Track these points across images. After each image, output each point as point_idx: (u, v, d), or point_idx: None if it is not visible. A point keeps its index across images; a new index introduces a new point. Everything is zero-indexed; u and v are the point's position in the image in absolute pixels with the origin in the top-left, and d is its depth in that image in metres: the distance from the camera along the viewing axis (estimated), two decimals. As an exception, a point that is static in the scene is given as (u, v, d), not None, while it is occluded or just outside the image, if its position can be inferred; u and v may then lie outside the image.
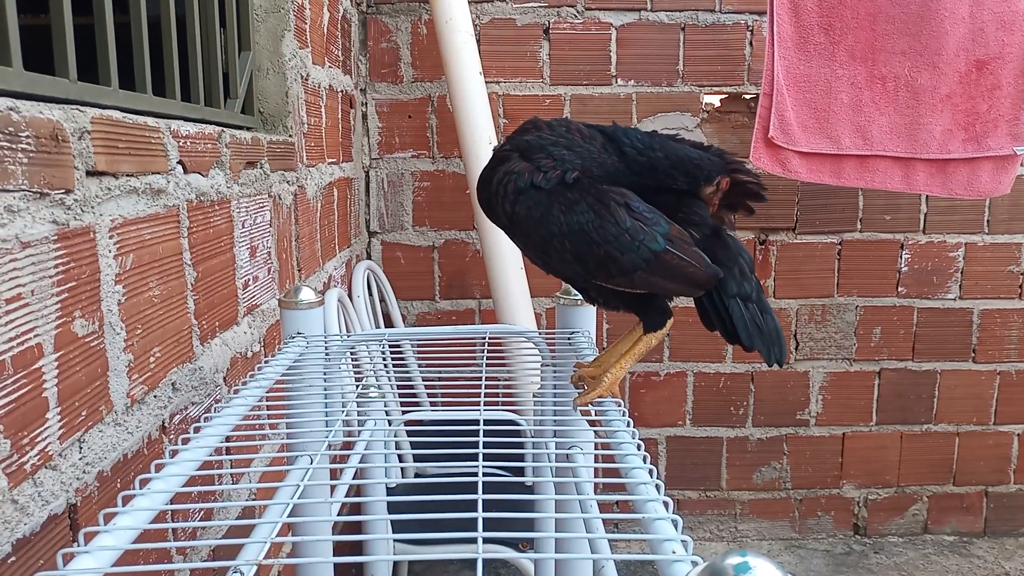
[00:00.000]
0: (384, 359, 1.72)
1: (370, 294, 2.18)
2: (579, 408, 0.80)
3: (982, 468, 2.61)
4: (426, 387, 2.18)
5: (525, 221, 0.78)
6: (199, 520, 1.00)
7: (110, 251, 0.80)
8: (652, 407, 2.53)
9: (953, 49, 2.08)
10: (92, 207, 0.76)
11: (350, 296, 2.05)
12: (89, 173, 0.76)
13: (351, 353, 1.38)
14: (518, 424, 1.63)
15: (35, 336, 0.67)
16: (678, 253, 0.77)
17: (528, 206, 0.78)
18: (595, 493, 0.90)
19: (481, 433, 0.70)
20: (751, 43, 2.33)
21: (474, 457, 0.66)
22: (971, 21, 2.08)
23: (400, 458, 1.97)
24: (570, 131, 0.82)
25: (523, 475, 1.82)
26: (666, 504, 0.53)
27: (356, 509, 1.75)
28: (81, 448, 0.76)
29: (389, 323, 2.32)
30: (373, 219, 2.41)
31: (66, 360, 0.73)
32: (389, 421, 1.71)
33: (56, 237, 0.70)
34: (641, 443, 0.64)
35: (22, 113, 0.65)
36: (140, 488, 0.60)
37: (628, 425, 0.69)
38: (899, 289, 2.49)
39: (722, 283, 0.81)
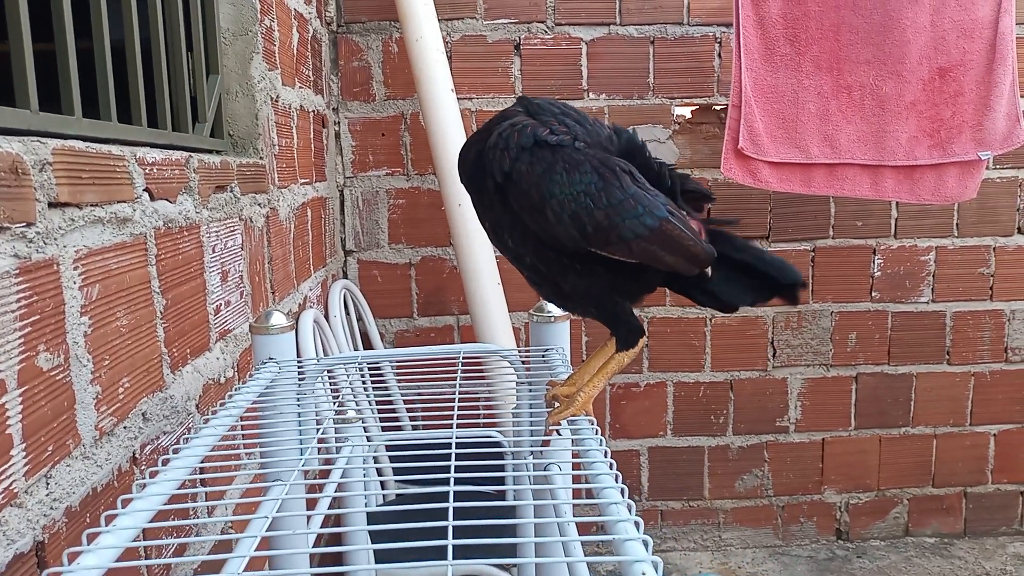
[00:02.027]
0: (364, 381, 1.71)
1: (347, 313, 2.17)
2: (552, 427, 0.79)
3: (960, 469, 2.64)
4: (406, 408, 2.17)
5: (525, 177, 0.76)
6: (172, 556, 0.99)
7: (75, 282, 0.79)
8: (633, 418, 2.53)
9: (916, 57, 2.12)
10: (55, 239, 0.75)
11: (327, 316, 2.04)
12: (51, 205, 0.75)
13: (328, 375, 1.37)
14: (497, 441, 1.63)
15: (-3, 372, 0.66)
16: (678, 224, 0.77)
17: (530, 161, 0.76)
18: (575, 512, 0.89)
19: (453, 456, 0.70)
20: (720, 55, 2.36)
21: (448, 476, 0.66)
22: (932, 30, 2.11)
23: (382, 479, 1.96)
24: (580, 112, 0.83)
25: (504, 493, 1.81)
26: (637, 524, 0.53)
27: (335, 536, 1.73)
28: (48, 484, 0.75)
29: (367, 342, 2.31)
30: (348, 238, 2.40)
31: (31, 395, 0.71)
32: (367, 443, 1.70)
33: (18, 271, 0.69)
34: (613, 462, 0.64)
35: (-21, 147, 0.64)
36: (106, 525, 0.59)
37: (600, 444, 0.69)
38: (873, 294, 2.52)
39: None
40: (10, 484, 0.68)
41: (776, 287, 0.82)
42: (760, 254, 0.83)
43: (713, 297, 0.83)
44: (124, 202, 0.91)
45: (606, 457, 0.66)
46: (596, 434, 0.73)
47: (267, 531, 0.60)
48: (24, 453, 0.70)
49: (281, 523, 0.86)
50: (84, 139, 0.87)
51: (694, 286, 0.83)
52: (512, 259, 0.85)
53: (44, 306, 0.74)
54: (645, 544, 0.51)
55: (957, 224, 2.50)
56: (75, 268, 0.79)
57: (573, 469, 0.95)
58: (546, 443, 0.81)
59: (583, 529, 2.29)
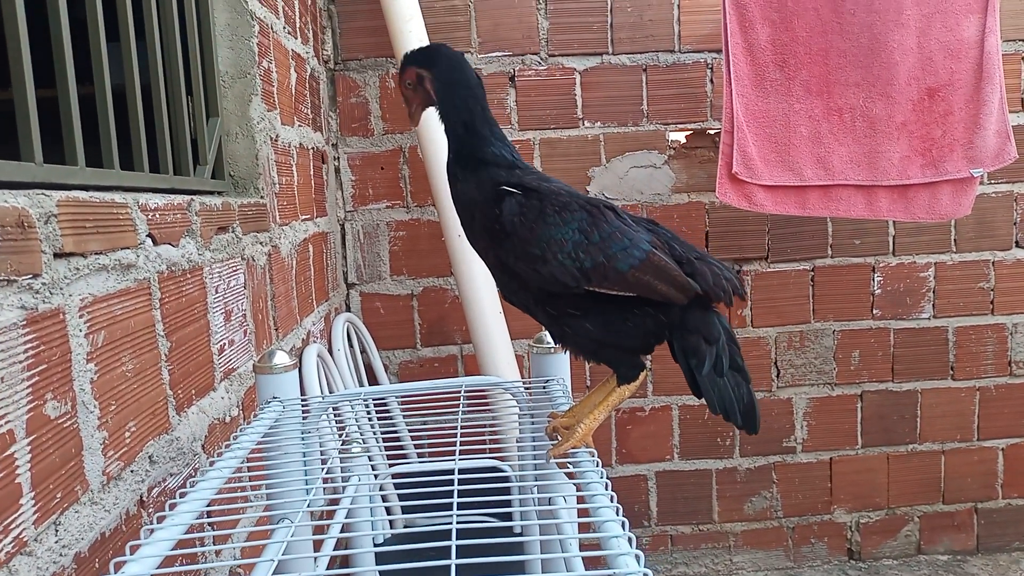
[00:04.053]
0: (369, 415, 1.71)
1: (351, 346, 2.18)
2: (555, 460, 0.80)
3: (970, 485, 2.62)
4: (412, 440, 2.17)
5: (519, 227, 0.79)
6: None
7: (80, 330, 0.81)
8: (639, 443, 2.53)
9: (904, 79, 2.15)
10: (61, 288, 0.77)
11: (331, 350, 2.05)
12: (57, 255, 0.76)
13: (333, 411, 1.37)
14: (502, 471, 1.63)
15: (6, 423, 0.67)
16: (662, 256, 0.81)
17: (520, 213, 0.79)
18: (583, 544, 0.90)
19: (456, 482, 0.70)
20: (712, 80, 2.39)
21: (450, 514, 0.67)
22: (919, 51, 2.14)
23: (388, 511, 1.96)
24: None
25: (510, 521, 1.81)
26: (638, 557, 0.54)
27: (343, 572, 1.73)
28: (57, 531, 0.75)
29: (371, 374, 2.32)
30: (350, 271, 2.42)
31: (39, 443, 0.72)
32: (375, 476, 1.70)
33: (25, 322, 0.71)
34: (614, 495, 0.65)
35: (-13, 203, 0.66)
36: (116, 572, 0.59)
37: (601, 476, 0.70)
38: (874, 311, 2.53)
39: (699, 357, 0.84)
40: (20, 533, 0.69)
41: (733, 419, 0.86)
42: (743, 390, 0.87)
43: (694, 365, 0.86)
44: (128, 248, 0.93)
45: (607, 489, 0.67)
46: (597, 466, 0.73)
47: (274, 573, 0.61)
48: (33, 501, 0.71)
49: (288, 564, 0.86)
50: (87, 188, 0.89)
51: (688, 350, 0.85)
52: (526, 312, 0.88)
53: (51, 355, 0.75)
54: (645, 578, 0.51)
55: (955, 240, 2.51)
56: (81, 316, 0.81)
57: (577, 502, 0.95)
58: (562, 465, 0.82)
59: (591, 563, 2.28)
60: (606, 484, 0.68)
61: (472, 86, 0.88)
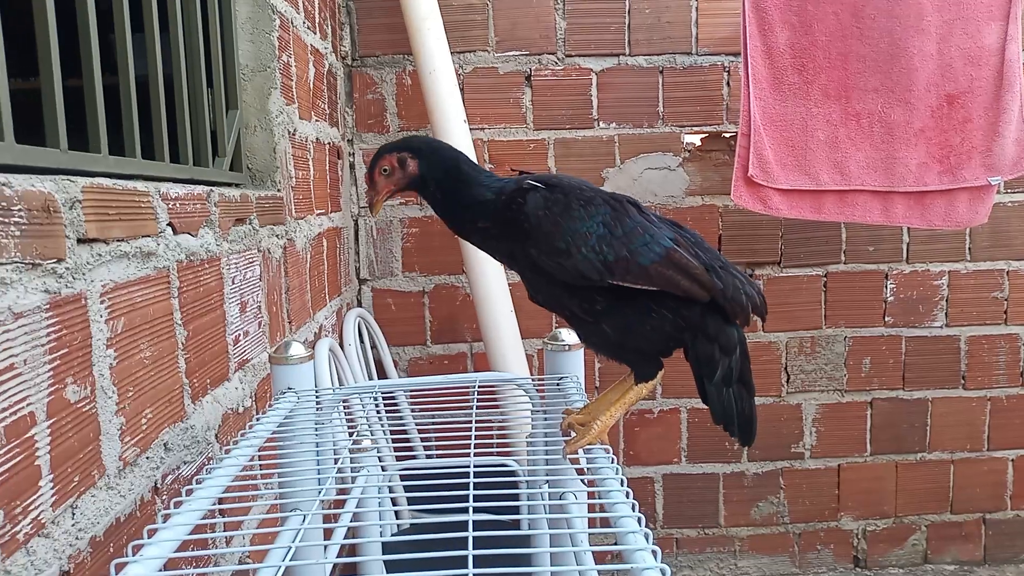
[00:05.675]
0: (378, 410, 1.72)
1: (361, 342, 2.18)
2: (568, 456, 0.80)
3: (979, 495, 2.61)
4: (420, 436, 2.18)
5: (544, 221, 0.80)
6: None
7: (101, 316, 0.81)
8: (647, 445, 2.52)
9: (923, 85, 2.14)
10: (83, 274, 0.78)
11: (341, 345, 2.05)
12: (80, 241, 0.77)
13: (344, 405, 1.38)
14: (512, 469, 1.63)
15: (28, 405, 0.68)
16: (684, 254, 0.82)
17: (546, 206, 0.80)
18: (591, 539, 0.90)
19: (472, 485, 0.71)
20: (728, 83, 2.38)
21: (466, 506, 0.67)
22: (939, 58, 2.13)
23: (395, 503, 1.96)
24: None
25: (519, 521, 1.81)
26: (655, 553, 0.54)
27: (350, 567, 1.73)
28: (74, 514, 0.76)
29: (381, 370, 2.33)
30: (363, 267, 2.42)
31: (59, 427, 0.73)
32: (383, 470, 1.71)
33: (48, 306, 0.71)
34: (630, 491, 0.65)
35: (14, 187, 0.67)
36: (133, 555, 0.60)
37: (616, 472, 0.70)
38: (886, 319, 2.52)
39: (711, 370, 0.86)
40: (38, 515, 0.69)
41: (730, 430, 0.90)
42: (745, 404, 0.91)
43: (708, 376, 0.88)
44: (148, 236, 0.93)
45: (622, 486, 0.67)
46: (612, 463, 0.73)
47: (289, 562, 0.61)
48: (52, 484, 0.72)
49: (299, 553, 0.86)
50: (110, 175, 0.89)
51: (702, 358, 0.87)
52: (552, 310, 0.89)
53: (72, 339, 0.76)
54: (663, 573, 0.51)
55: (970, 248, 2.50)
56: (102, 302, 0.81)
57: (588, 497, 0.95)
58: (574, 461, 0.83)
59: (599, 558, 2.28)
60: (622, 480, 0.68)
61: (454, 150, 0.91)
